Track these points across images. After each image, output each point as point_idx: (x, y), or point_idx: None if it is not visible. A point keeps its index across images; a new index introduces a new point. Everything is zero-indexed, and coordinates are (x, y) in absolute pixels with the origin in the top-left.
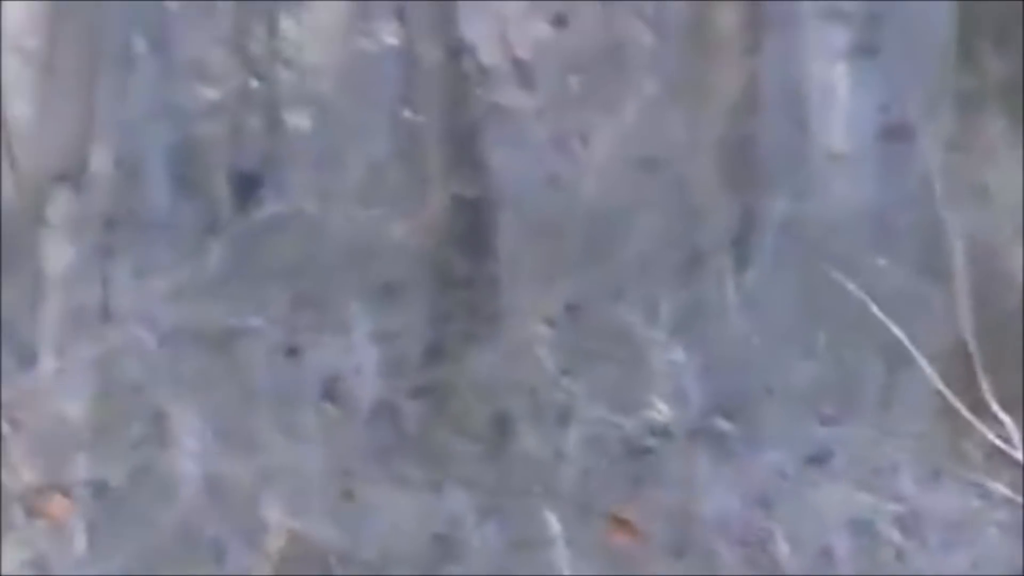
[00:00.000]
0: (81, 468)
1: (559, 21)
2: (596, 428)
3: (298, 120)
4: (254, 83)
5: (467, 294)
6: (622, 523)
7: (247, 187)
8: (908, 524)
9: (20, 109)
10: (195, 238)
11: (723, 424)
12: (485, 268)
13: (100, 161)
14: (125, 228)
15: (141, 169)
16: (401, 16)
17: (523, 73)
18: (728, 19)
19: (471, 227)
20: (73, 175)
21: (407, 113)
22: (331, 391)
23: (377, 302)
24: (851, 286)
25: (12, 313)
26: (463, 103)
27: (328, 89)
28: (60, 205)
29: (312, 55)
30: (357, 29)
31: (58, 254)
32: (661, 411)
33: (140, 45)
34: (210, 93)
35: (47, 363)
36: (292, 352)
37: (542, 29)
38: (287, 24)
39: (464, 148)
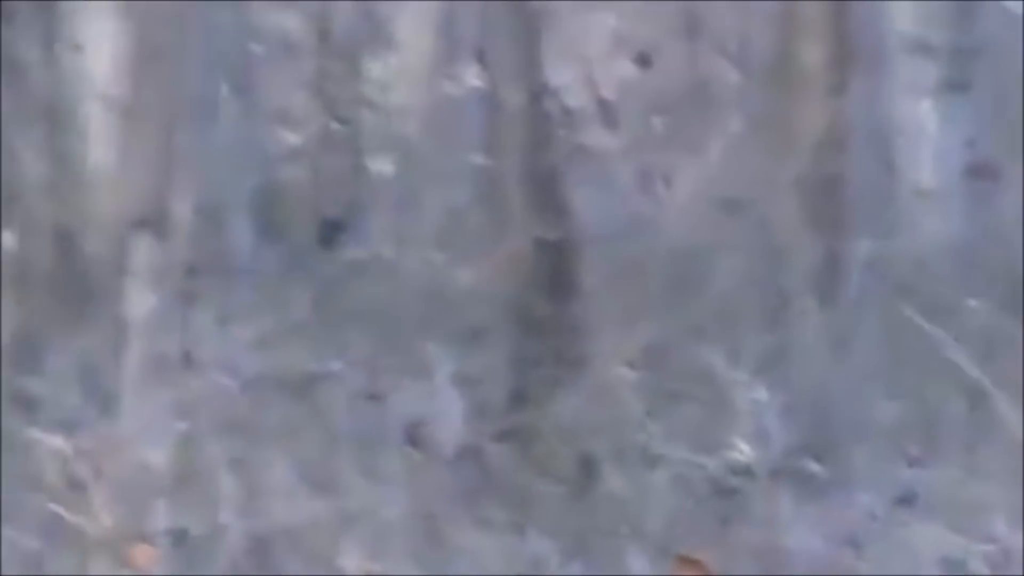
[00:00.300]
0: (162, 516)
1: (643, 61)
2: (680, 469)
3: (380, 164)
4: (336, 127)
5: (549, 337)
6: (692, 563)
7: (329, 232)
8: (999, 564)
9: (102, 155)
10: (277, 283)
11: (808, 464)
12: (567, 310)
13: (181, 207)
14: (207, 274)
15: (223, 214)
16: (484, 58)
17: (607, 113)
18: (813, 56)
19: (553, 269)
20: (154, 221)
21: (489, 156)
22: (414, 435)
23: (459, 346)
24: (928, 326)
25: (94, 360)
26: (546, 145)
27: (411, 132)
28: (141, 251)
29: (395, 98)
30: (440, 72)
31: (139, 301)
32: (745, 451)
33: (222, 89)
34: (292, 137)
35: (129, 410)
36: (374, 397)
37: (626, 69)
38: (370, 67)
39: (546, 190)
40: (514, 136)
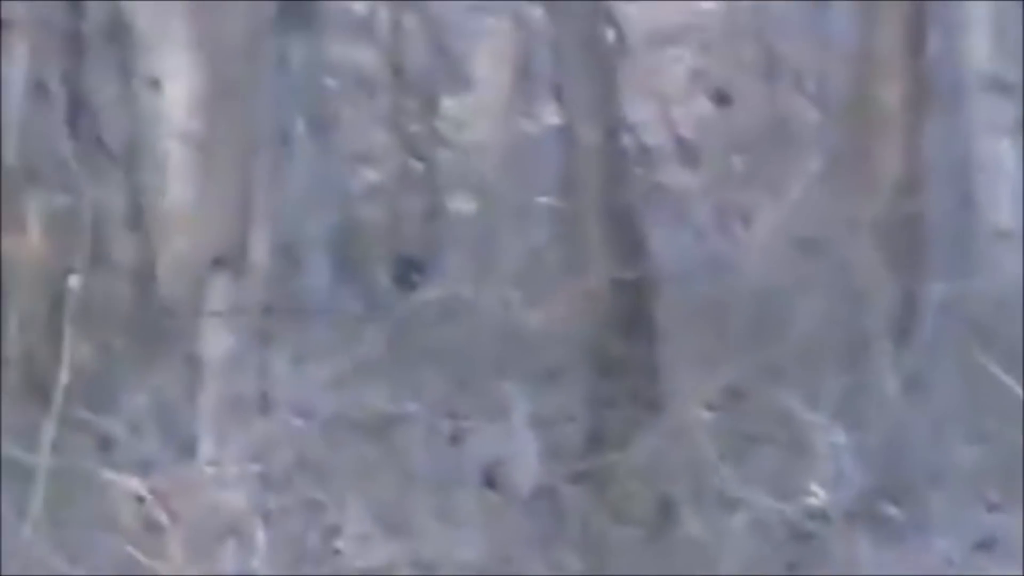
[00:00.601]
0: (237, 559)
1: (722, 99)
2: (758, 512)
3: (458, 203)
4: (414, 165)
5: (626, 378)
6: None
7: (406, 271)
8: None
9: (179, 193)
10: (353, 323)
11: (887, 509)
12: (644, 351)
13: (258, 246)
14: (283, 313)
15: (300, 254)
16: (561, 96)
17: (685, 152)
18: (891, 95)
19: (630, 309)
20: (231, 260)
21: (566, 194)
22: (491, 476)
23: (536, 386)
24: (1007, 369)
25: (170, 401)
26: (623, 183)
27: (487, 170)
28: (218, 290)
29: (472, 135)
30: (517, 109)
31: (216, 340)
32: (821, 496)
33: (298, 126)
34: (370, 175)
35: (205, 452)
36: (451, 438)
37: (704, 107)
38: (447, 104)
39: (623, 229)
40: (591, 174)
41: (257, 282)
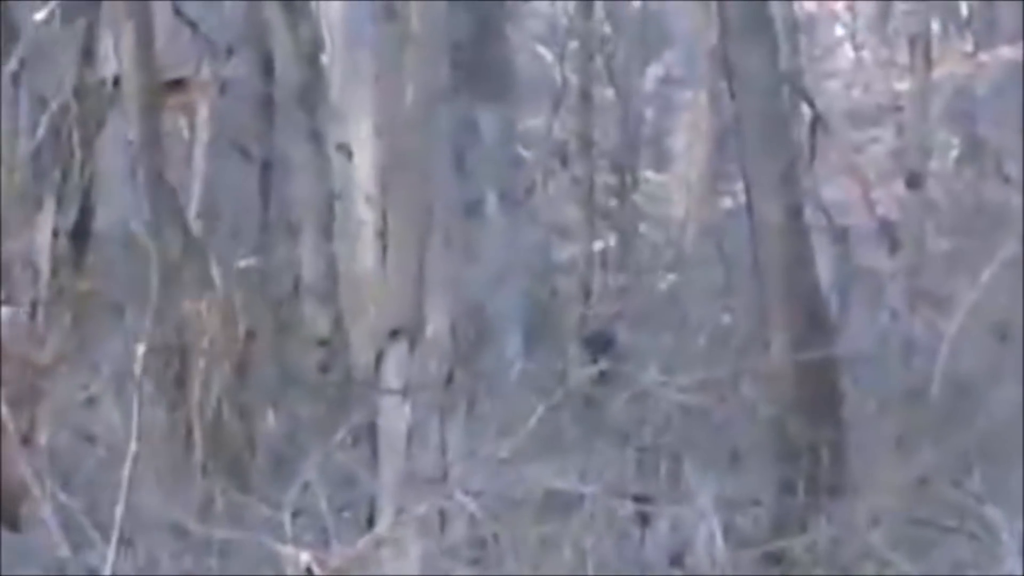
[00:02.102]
0: None
1: (917, 181)
2: None
3: (650, 278)
4: (607, 240)
5: (813, 462)
6: None
7: (595, 346)
8: None
9: (366, 261)
10: (537, 398)
11: None
12: (831, 435)
13: (437, 317)
14: (464, 387)
15: (488, 326)
16: (752, 174)
17: (880, 233)
18: None
19: (818, 392)
20: (409, 331)
21: (756, 272)
22: (677, 558)
23: (722, 468)
24: None
25: (350, 473)
26: (813, 263)
27: (684, 246)
28: (396, 363)
29: (669, 210)
30: (710, 187)
31: (395, 413)
32: None
33: (492, 198)
34: (563, 249)
35: (384, 525)
36: (637, 518)
37: (900, 189)
38: (644, 179)
39: (814, 310)
40: (777, 253)
41: (438, 353)
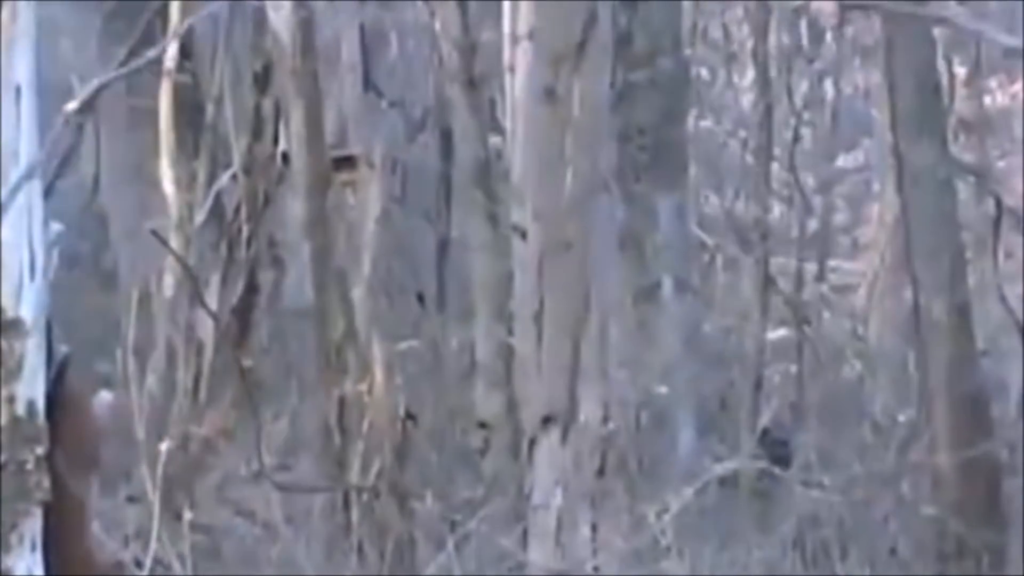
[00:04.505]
0: None
1: None
2: None
3: (827, 373)
4: (789, 330)
5: (973, 565)
6: None
7: (773, 443)
8: None
9: (527, 345)
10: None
11: None
12: (993, 537)
13: (590, 405)
14: (617, 477)
15: (657, 416)
16: (919, 270)
17: None
18: None
19: (980, 493)
20: (565, 418)
21: (920, 368)
22: None
23: (882, 569)
24: None
25: (503, 552)
26: (975, 360)
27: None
28: (551, 448)
29: (854, 301)
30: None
31: (548, 499)
32: None
33: (667, 283)
34: (743, 339)
35: None
36: None
37: None
38: (830, 268)
39: (976, 410)
40: (941, 350)
41: (590, 441)
